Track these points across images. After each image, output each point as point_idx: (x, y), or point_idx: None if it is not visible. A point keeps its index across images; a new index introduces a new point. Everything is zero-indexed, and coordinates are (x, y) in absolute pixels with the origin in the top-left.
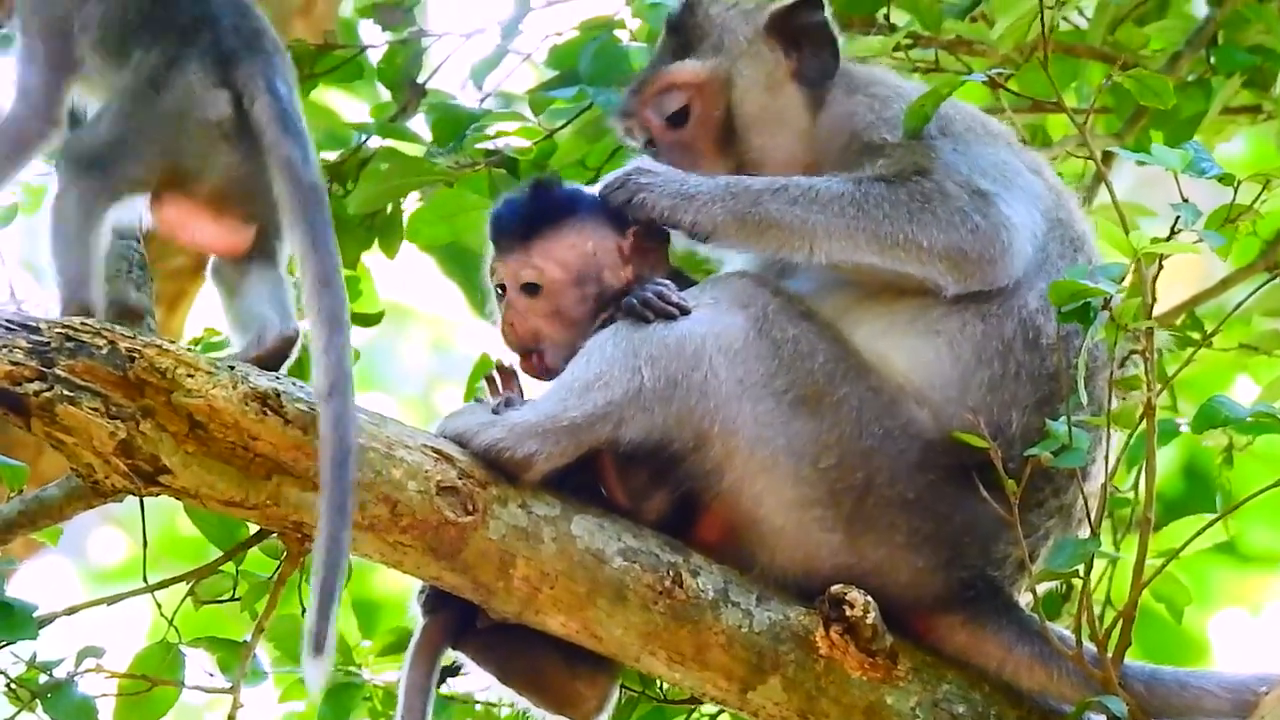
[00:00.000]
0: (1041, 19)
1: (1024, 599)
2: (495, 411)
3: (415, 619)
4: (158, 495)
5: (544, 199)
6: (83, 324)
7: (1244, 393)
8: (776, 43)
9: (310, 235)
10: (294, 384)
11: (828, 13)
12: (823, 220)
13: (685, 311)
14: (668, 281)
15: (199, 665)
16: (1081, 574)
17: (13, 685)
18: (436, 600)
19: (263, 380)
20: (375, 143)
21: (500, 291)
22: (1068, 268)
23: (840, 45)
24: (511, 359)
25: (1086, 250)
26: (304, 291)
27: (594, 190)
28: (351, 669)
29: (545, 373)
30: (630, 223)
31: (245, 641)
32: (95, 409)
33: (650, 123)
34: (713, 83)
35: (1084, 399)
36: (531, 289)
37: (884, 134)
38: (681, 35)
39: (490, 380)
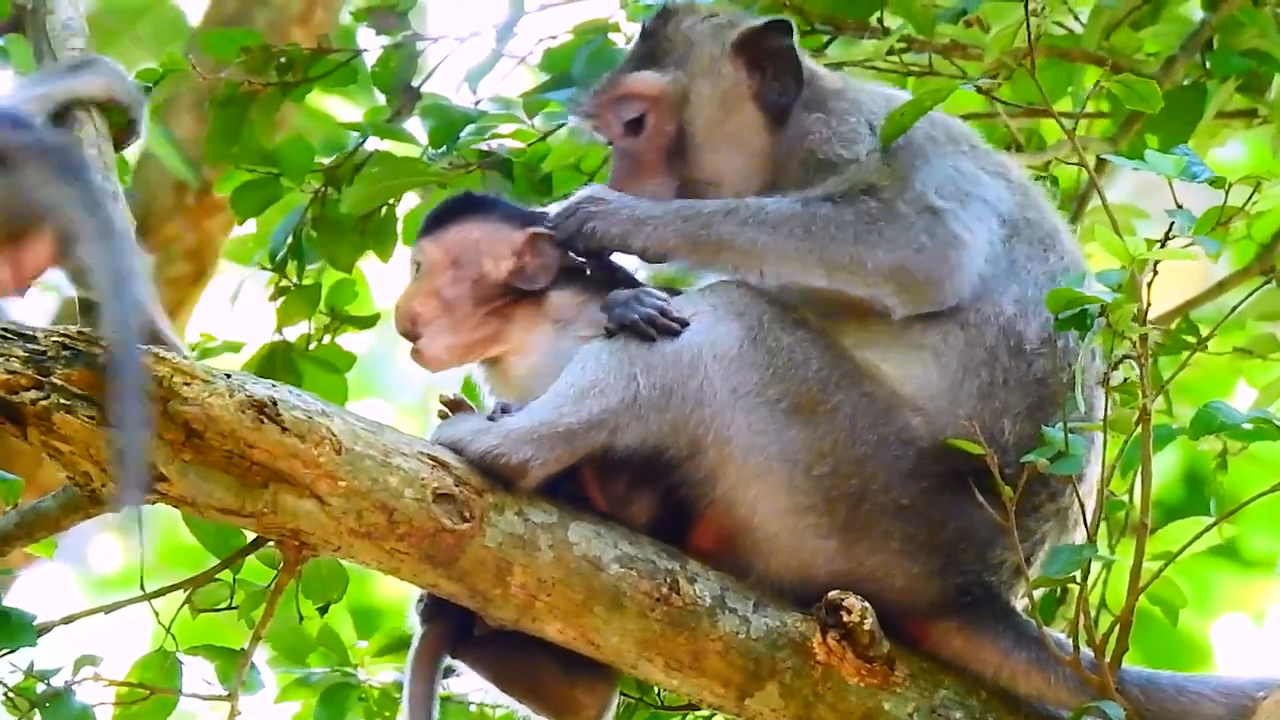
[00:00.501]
0: (1028, 27)
1: (1021, 604)
2: (490, 419)
3: (414, 627)
4: (154, 503)
5: (463, 201)
6: (79, 333)
7: (1246, 398)
8: (742, 63)
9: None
10: (291, 392)
11: (795, 39)
12: (771, 242)
13: (685, 325)
14: (664, 294)
15: (197, 673)
16: (1078, 579)
17: (11, 694)
18: (435, 608)
19: (259, 388)
20: (371, 146)
21: None
22: (1037, 268)
23: (804, 71)
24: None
25: (1059, 247)
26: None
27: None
28: (347, 670)
29: (425, 362)
30: (582, 252)
31: (243, 650)
32: (92, 417)
33: (609, 125)
34: (668, 97)
35: (1081, 405)
36: (415, 270)
37: (839, 150)
38: (651, 43)
39: (441, 414)
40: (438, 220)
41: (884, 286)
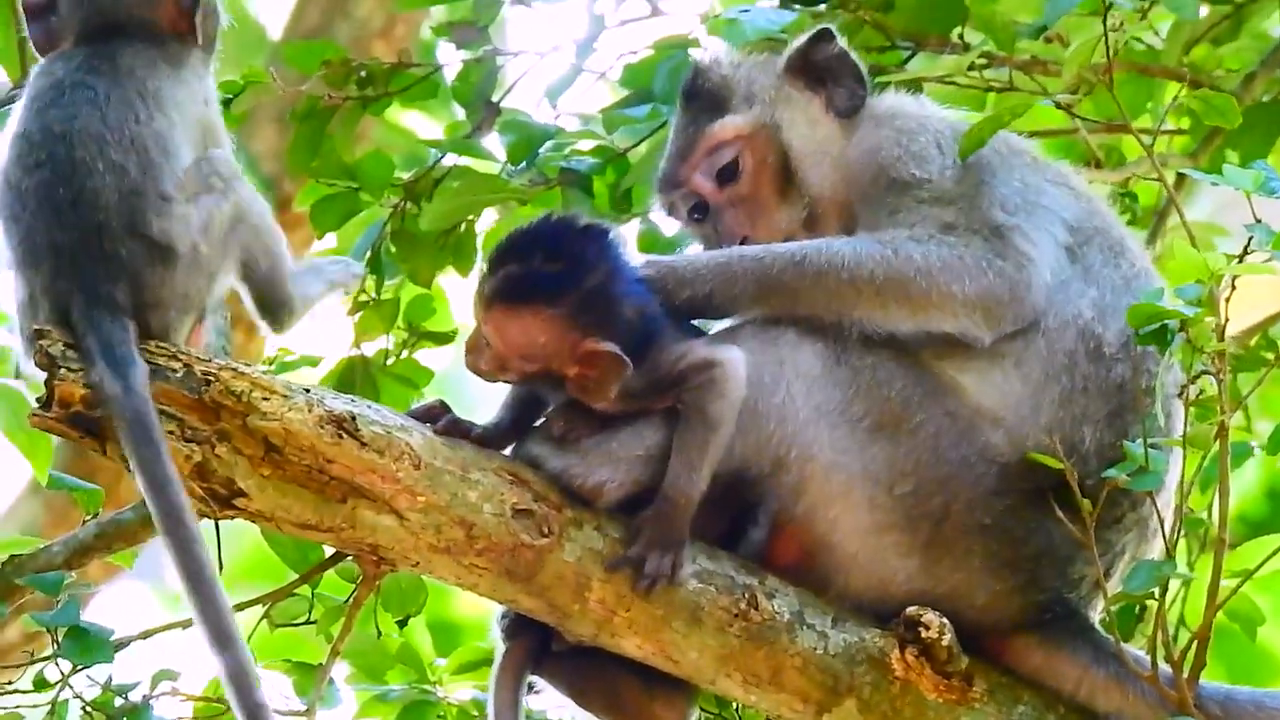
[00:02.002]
0: (1106, 42)
1: (1099, 619)
2: (566, 437)
3: (496, 643)
4: (233, 518)
5: (530, 276)
6: (158, 347)
7: None
8: (801, 82)
9: None
10: (370, 407)
11: (842, 42)
12: (849, 286)
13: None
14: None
15: (275, 688)
16: (1156, 595)
17: (89, 709)
18: (518, 625)
19: (338, 403)
20: (450, 161)
21: None
22: (1112, 274)
23: (863, 71)
24: None
25: (1129, 254)
26: None
27: (607, 260)
28: (426, 687)
29: (482, 376)
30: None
31: (321, 664)
32: (171, 432)
33: (700, 187)
34: (760, 131)
35: (1161, 420)
36: (485, 340)
37: (912, 169)
38: (704, 99)
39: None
40: (498, 296)
41: (974, 315)
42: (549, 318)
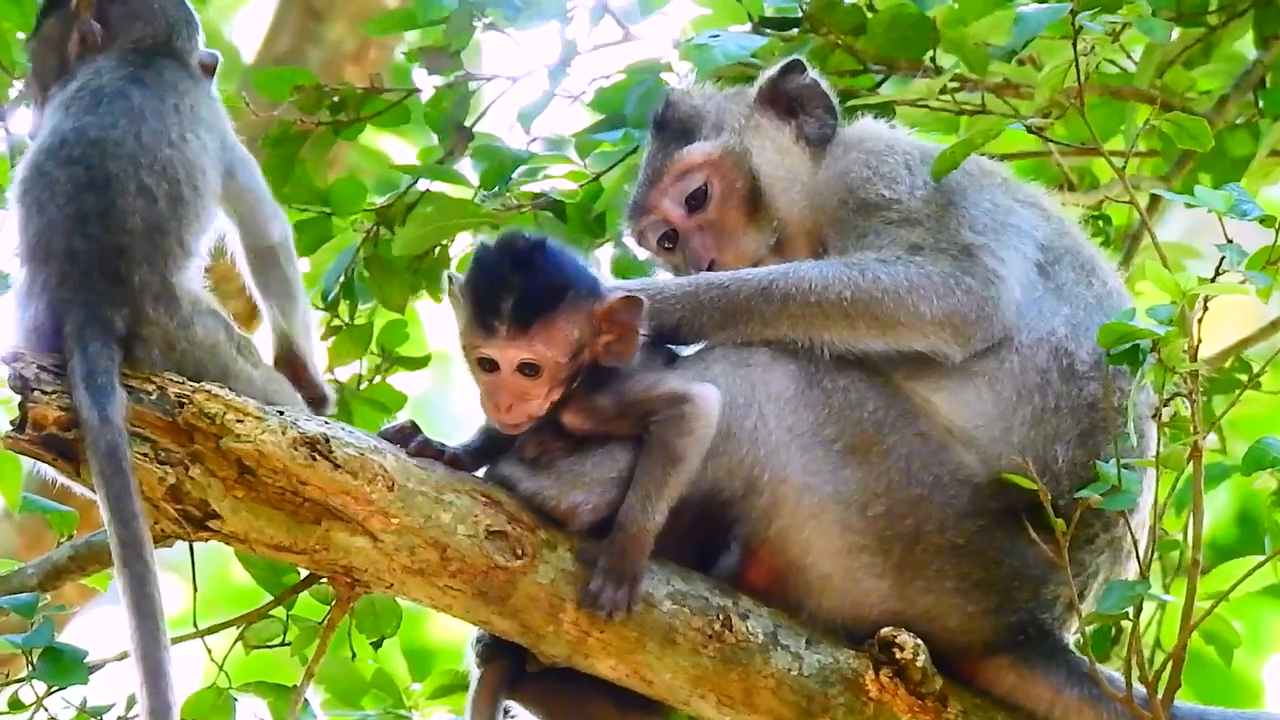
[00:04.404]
0: (1076, 66)
1: (1073, 639)
2: (540, 459)
3: (471, 669)
4: (207, 540)
5: (534, 284)
6: (132, 370)
7: None
8: (772, 112)
9: None
10: (343, 429)
11: (814, 73)
12: (818, 310)
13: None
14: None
15: (250, 710)
16: (1131, 616)
17: None
18: (493, 649)
19: (311, 425)
20: (423, 186)
21: (483, 364)
22: (1085, 292)
23: (834, 100)
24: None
25: (1099, 273)
26: None
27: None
28: (402, 712)
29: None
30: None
31: (296, 686)
32: (144, 454)
33: (669, 213)
34: (728, 157)
35: (1134, 440)
36: (531, 369)
37: (881, 190)
38: (674, 127)
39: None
40: (529, 318)
41: (943, 334)
42: (569, 308)
